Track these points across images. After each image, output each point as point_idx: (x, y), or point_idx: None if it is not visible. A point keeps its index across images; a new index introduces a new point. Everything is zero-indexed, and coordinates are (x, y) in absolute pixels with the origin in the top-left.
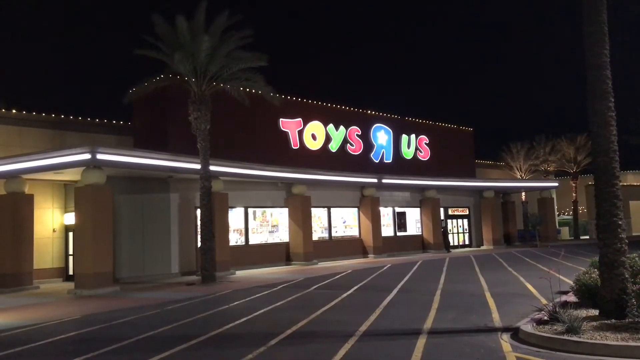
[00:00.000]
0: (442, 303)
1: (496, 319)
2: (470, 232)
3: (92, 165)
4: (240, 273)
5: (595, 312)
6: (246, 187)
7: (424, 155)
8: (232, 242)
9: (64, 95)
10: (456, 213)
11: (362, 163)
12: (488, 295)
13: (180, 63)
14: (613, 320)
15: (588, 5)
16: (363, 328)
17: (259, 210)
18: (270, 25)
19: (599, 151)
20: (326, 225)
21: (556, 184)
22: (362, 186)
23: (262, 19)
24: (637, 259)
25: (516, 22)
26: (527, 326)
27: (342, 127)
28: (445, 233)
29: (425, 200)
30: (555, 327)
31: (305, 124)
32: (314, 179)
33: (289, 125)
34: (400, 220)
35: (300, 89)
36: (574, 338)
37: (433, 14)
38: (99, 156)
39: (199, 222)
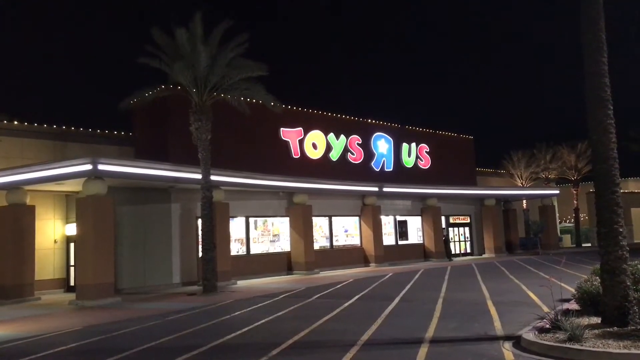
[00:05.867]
0: (444, 312)
1: (498, 328)
2: (471, 240)
3: (94, 176)
4: (241, 283)
5: (598, 319)
6: (247, 197)
7: (425, 163)
8: (233, 252)
9: (65, 107)
10: (457, 221)
11: (363, 172)
12: (490, 303)
13: (180, 74)
14: (615, 328)
15: (586, 12)
16: (365, 337)
17: (260, 220)
18: (268, 35)
19: (599, 159)
20: (327, 234)
21: (557, 192)
22: (363, 195)
23: (260, 29)
24: (638, 266)
25: (517, 29)
26: (529, 334)
27: (342, 136)
28: (446, 241)
29: (426, 208)
30: (557, 336)
31: (305, 133)
32: (315, 188)
33: (289, 134)
34: (401, 229)
35: (301, 98)
36: (576, 346)
37: (433, 20)
38: (100, 167)
39: (200, 232)
